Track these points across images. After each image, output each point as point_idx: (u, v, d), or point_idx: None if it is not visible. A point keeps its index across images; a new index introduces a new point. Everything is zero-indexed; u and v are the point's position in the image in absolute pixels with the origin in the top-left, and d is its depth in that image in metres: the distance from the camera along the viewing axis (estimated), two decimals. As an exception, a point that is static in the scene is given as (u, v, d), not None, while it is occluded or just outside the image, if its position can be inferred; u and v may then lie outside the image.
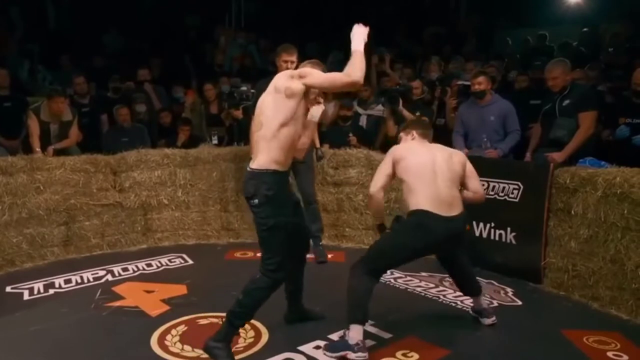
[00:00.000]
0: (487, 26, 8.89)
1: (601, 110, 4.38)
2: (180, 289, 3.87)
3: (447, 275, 4.13)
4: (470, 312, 3.42)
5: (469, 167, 3.17)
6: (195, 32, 9.16)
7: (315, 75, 2.65)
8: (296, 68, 4.31)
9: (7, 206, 4.28)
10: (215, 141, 5.77)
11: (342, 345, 2.83)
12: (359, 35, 2.70)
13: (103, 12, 8.81)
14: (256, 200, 2.67)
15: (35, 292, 3.85)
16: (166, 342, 3.02)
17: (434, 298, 3.76)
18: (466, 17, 9.73)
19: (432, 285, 3.98)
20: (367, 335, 3.09)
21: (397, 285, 4.00)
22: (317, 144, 4.72)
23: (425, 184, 2.93)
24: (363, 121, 5.50)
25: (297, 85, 2.65)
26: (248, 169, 2.74)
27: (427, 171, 2.96)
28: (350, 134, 5.23)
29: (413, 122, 3.44)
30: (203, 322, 3.31)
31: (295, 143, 2.76)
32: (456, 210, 2.96)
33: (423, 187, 2.92)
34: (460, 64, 6.21)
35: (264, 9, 10.06)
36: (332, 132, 5.32)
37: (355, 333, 2.80)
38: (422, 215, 2.89)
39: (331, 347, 2.88)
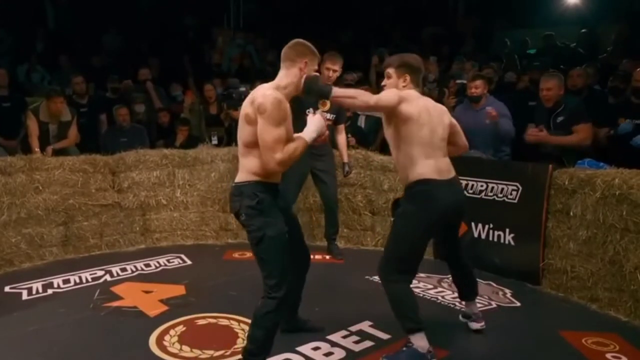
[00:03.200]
0: (485, 27, 8.90)
1: (601, 112, 4.39)
2: (178, 289, 3.87)
3: (445, 276, 4.15)
4: (460, 317, 3.32)
5: (454, 121, 2.97)
6: (194, 32, 9.16)
7: (265, 125, 2.40)
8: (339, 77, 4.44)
9: (5, 206, 4.27)
10: (214, 141, 5.77)
11: (413, 355, 2.71)
12: (316, 126, 2.51)
13: (102, 12, 8.82)
14: (243, 215, 2.53)
15: (34, 292, 3.84)
16: (165, 343, 3.02)
17: (433, 299, 3.76)
18: (464, 18, 9.74)
19: (431, 286, 3.98)
20: (365, 335, 3.11)
21: (396, 286, 3.99)
22: (345, 158, 4.62)
23: (427, 146, 2.72)
24: (362, 122, 5.48)
25: (251, 113, 2.48)
26: (232, 185, 2.64)
27: (427, 133, 2.72)
28: (349, 135, 5.22)
29: (406, 62, 2.83)
30: (201, 322, 3.31)
31: None
32: (453, 172, 2.83)
33: (422, 156, 2.71)
34: (461, 64, 6.22)
35: (262, 10, 10.07)
36: (329, 133, 5.31)
37: (421, 341, 2.71)
38: (428, 184, 2.70)
39: (404, 355, 2.73)
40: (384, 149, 5.19)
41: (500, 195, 4.16)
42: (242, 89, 5.70)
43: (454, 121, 2.98)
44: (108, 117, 6.04)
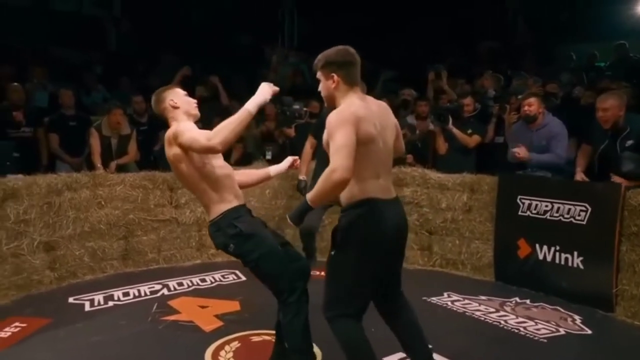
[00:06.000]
0: (547, 40, 8.60)
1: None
2: (233, 305, 3.87)
3: (507, 300, 3.98)
4: None
5: (396, 121, 2.52)
6: (248, 51, 9.37)
7: (185, 134, 2.43)
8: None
9: (71, 220, 4.43)
10: (269, 156, 5.82)
11: None
12: (261, 93, 2.44)
13: (160, 33, 9.18)
14: (232, 246, 2.52)
15: (96, 303, 3.95)
16: (220, 358, 3.02)
17: (495, 323, 3.59)
18: (524, 32, 9.45)
19: (493, 310, 3.81)
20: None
21: (455, 309, 3.85)
22: (302, 174, 4.38)
23: (376, 163, 2.27)
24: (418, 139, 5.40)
25: (174, 151, 2.52)
26: (208, 226, 2.63)
27: (378, 156, 2.28)
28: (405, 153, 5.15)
29: (329, 59, 2.36)
30: (256, 339, 3.28)
31: (222, 178, 2.60)
32: (393, 192, 2.39)
33: (371, 175, 2.26)
34: (523, 80, 6.02)
35: (316, 29, 10.19)
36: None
37: None
38: (372, 203, 2.25)
39: None
40: (435, 164, 5.09)
41: (567, 216, 3.96)
42: (296, 106, 5.73)
43: (396, 121, 2.53)
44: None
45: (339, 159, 2.11)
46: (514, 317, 3.65)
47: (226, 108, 6.40)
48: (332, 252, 2.35)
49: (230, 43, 9.27)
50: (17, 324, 3.49)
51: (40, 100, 6.43)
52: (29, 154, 5.23)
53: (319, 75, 2.40)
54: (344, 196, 2.30)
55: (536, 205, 4.15)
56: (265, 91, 2.46)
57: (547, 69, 7.15)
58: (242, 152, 6.05)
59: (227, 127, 2.35)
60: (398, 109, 6.05)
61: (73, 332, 3.39)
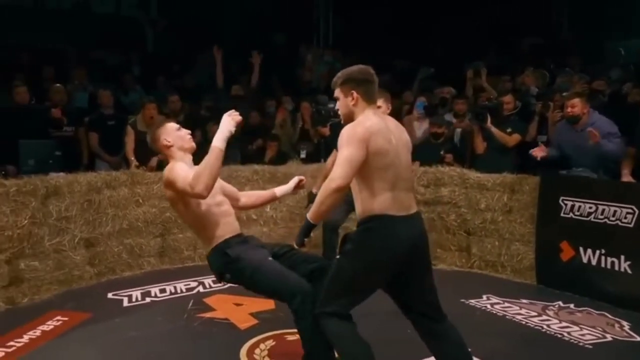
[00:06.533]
0: (593, 36, 8.25)
1: None
2: (268, 304, 3.84)
3: (550, 304, 3.85)
4: None
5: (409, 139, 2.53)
6: (283, 50, 9.37)
7: (177, 182, 2.50)
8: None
9: (110, 217, 4.52)
10: (303, 155, 5.82)
11: None
12: (224, 127, 2.41)
13: (197, 33, 9.27)
14: (228, 275, 2.60)
15: (134, 299, 4.01)
16: (255, 356, 3.01)
17: (537, 327, 3.47)
18: (568, 27, 9.09)
19: (534, 314, 3.68)
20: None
21: (495, 312, 3.75)
22: (316, 187, 4.21)
23: (388, 184, 2.27)
24: (457, 135, 5.28)
25: (169, 194, 2.63)
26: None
27: (392, 170, 2.28)
28: (442, 152, 5.05)
29: (349, 76, 2.40)
30: (291, 338, 3.24)
31: (218, 216, 2.66)
32: (414, 207, 2.39)
33: (385, 188, 2.26)
34: (568, 77, 5.80)
35: (351, 27, 10.13)
36: (423, 149, 5.17)
37: None
38: (386, 221, 2.26)
39: None
40: (473, 164, 4.97)
41: (612, 218, 3.80)
42: (331, 105, 5.70)
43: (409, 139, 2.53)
44: (202, 134, 6.26)
45: (338, 171, 2.19)
46: (557, 321, 3.52)
47: (255, 92, 6.38)
48: (338, 257, 2.39)
49: (265, 42, 9.30)
50: (58, 317, 3.59)
51: (80, 100, 6.60)
52: (71, 152, 5.37)
53: (337, 93, 2.44)
54: (359, 211, 2.35)
55: (580, 206, 4.00)
56: (227, 124, 2.44)
57: (594, 66, 6.84)
58: (277, 150, 6.06)
59: (204, 173, 2.37)
60: (436, 107, 5.95)
61: (112, 327, 3.46)
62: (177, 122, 6.08)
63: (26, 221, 3.86)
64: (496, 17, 9.15)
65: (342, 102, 2.41)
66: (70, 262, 4.20)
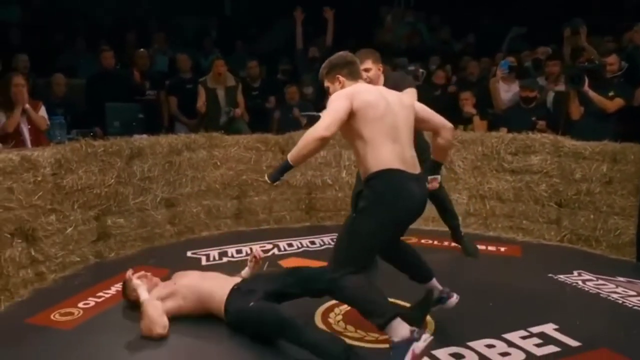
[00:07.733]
0: None
1: None
2: (342, 269, 3.80)
3: (652, 284, 3.49)
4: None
5: (419, 105, 2.63)
6: (362, 10, 9.05)
7: None
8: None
9: (189, 179, 4.62)
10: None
11: (401, 347, 2.28)
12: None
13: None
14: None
15: (211, 258, 4.10)
16: (329, 320, 2.98)
17: (635, 307, 3.16)
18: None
19: (633, 293, 3.36)
20: (548, 339, 2.72)
21: (587, 289, 3.46)
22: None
23: (387, 136, 2.38)
24: (550, 100, 4.87)
25: None
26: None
27: (387, 121, 2.40)
28: (534, 118, 4.67)
29: (331, 64, 2.61)
30: (366, 305, 3.18)
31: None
32: (419, 168, 2.50)
33: (385, 140, 2.37)
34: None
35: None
36: (512, 114, 4.81)
37: (399, 331, 2.30)
38: (395, 175, 2.35)
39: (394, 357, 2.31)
40: (567, 131, 4.57)
41: None
42: (411, 68, 5.44)
43: (420, 104, 2.65)
44: (277, 99, 6.25)
45: (322, 121, 2.34)
46: (658, 303, 3.19)
47: (331, 52, 6.28)
48: (354, 215, 2.47)
49: (344, 3, 9.03)
50: (142, 272, 3.72)
51: (160, 64, 6.78)
52: (153, 115, 5.55)
53: (326, 84, 2.63)
54: (362, 171, 2.46)
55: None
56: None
57: None
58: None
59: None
60: (527, 70, 5.50)
61: (191, 285, 3.53)
62: (254, 88, 6.26)
63: (112, 180, 4.02)
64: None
65: (333, 89, 2.58)
66: (152, 221, 4.35)
